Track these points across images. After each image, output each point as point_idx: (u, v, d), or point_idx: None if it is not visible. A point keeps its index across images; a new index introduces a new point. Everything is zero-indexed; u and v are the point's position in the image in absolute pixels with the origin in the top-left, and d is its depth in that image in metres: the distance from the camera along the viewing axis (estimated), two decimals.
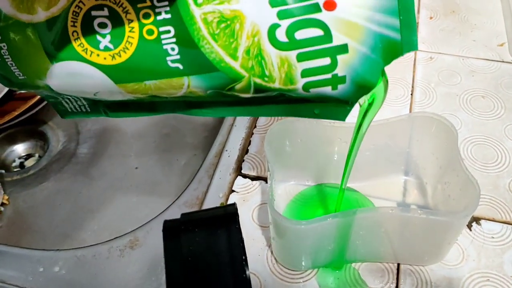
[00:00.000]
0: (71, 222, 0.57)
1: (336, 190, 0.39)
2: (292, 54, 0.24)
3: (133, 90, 0.27)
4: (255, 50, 0.24)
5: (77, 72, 0.26)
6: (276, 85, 0.25)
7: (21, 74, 0.27)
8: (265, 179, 0.47)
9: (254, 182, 0.47)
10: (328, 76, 0.25)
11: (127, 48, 0.25)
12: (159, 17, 0.24)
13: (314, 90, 0.26)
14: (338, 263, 0.40)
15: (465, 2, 0.68)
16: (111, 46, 0.25)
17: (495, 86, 0.55)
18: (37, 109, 0.63)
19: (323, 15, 0.23)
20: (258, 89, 0.26)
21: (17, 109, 0.61)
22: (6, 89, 0.63)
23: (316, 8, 0.23)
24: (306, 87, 0.25)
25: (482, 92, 0.54)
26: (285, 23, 0.23)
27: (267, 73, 0.25)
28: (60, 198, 0.60)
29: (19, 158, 0.67)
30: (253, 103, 0.28)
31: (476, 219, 0.43)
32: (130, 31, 0.24)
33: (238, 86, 0.26)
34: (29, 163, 0.66)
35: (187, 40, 0.24)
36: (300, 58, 0.24)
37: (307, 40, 0.24)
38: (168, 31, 0.24)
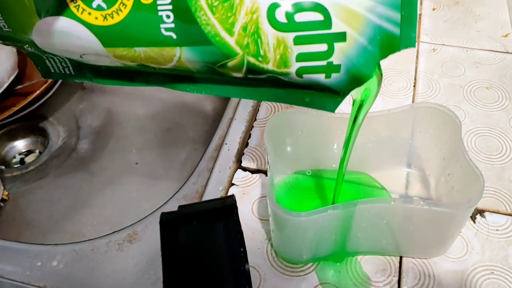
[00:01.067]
0: (71, 217, 0.56)
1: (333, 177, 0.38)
2: (290, 36, 0.24)
3: (122, 56, 0.26)
4: (253, 27, 0.23)
5: (65, 30, 0.25)
6: (270, 66, 0.25)
7: (6, 26, 0.26)
8: (265, 172, 0.46)
9: (254, 175, 0.46)
10: (323, 63, 0.24)
11: (120, 10, 0.24)
12: None
13: (307, 76, 0.25)
14: (339, 256, 0.39)
15: None
16: (104, 5, 0.24)
17: (499, 77, 0.54)
18: (37, 104, 0.63)
19: (326, 0, 0.23)
20: (251, 68, 0.25)
21: (17, 104, 0.61)
22: (6, 84, 0.63)
23: None
24: (299, 72, 0.25)
25: (487, 83, 0.53)
26: (286, 3, 0.23)
27: (261, 52, 0.24)
28: (60, 193, 0.60)
29: (20, 154, 0.67)
30: (242, 84, 0.27)
31: (480, 212, 0.42)
32: None
33: (231, 63, 0.25)
34: (29, 159, 0.66)
35: (183, 9, 0.23)
36: (297, 41, 0.24)
37: (306, 24, 0.23)
38: None
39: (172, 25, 0.24)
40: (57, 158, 0.65)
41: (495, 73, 0.55)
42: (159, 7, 0.23)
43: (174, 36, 0.24)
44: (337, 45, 0.24)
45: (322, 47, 0.24)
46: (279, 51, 0.24)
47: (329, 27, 0.23)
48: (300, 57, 0.24)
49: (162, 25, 0.24)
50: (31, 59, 0.29)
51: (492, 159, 0.46)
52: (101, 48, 0.25)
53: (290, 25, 0.23)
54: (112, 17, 0.24)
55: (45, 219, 0.57)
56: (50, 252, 0.42)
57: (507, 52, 0.57)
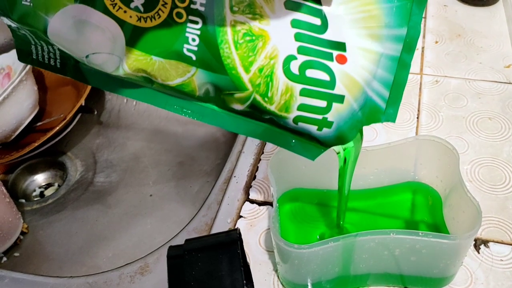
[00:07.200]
0: (87, 250, 0.58)
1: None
2: (297, 87, 0.26)
3: (134, 60, 0.26)
4: (268, 71, 0.26)
5: (94, 23, 0.25)
6: (272, 108, 0.27)
7: (29, 0, 0.25)
8: (271, 204, 0.48)
9: (261, 207, 0.48)
10: (319, 117, 0.27)
11: (154, 18, 0.25)
12: (193, 6, 0.25)
13: (301, 125, 0.28)
14: (344, 287, 0.40)
15: (471, 25, 0.69)
16: (141, 8, 0.25)
17: (502, 107, 0.55)
18: (56, 140, 0.66)
19: (334, 65, 0.26)
20: (254, 105, 0.27)
21: (37, 140, 0.63)
22: (27, 121, 0.66)
23: (330, 56, 0.25)
24: (296, 119, 0.27)
25: (489, 114, 0.54)
26: (302, 58, 0.26)
27: (269, 94, 0.26)
28: (77, 226, 0.62)
29: (39, 187, 0.70)
30: (237, 116, 0.29)
31: (485, 242, 0.42)
32: (162, 5, 0.25)
33: (238, 95, 0.27)
34: (48, 192, 0.69)
35: (210, 38, 0.25)
36: (303, 93, 0.26)
37: (314, 80, 0.26)
38: (196, 22, 0.25)
39: (195, 48, 0.26)
40: (74, 191, 0.68)
41: (497, 104, 0.56)
42: (188, 29, 0.25)
43: (194, 58, 0.26)
44: (335, 105, 0.27)
45: (322, 103, 0.27)
46: (285, 97, 0.26)
47: (332, 88, 0.26)
48: (301, 107, 0.27)
49: (185, 45, 0.26)
50: (14, 37, 0.29)
51: (495, 189, 0.47)
52: (122, 44, 0.26)
53: (300, 77, 0.26)
54: (146, 21, 0.25)
55: (62, 251, 0.59)
56: (65, 285, 0.43)
57: (509, 83, 0.58)
